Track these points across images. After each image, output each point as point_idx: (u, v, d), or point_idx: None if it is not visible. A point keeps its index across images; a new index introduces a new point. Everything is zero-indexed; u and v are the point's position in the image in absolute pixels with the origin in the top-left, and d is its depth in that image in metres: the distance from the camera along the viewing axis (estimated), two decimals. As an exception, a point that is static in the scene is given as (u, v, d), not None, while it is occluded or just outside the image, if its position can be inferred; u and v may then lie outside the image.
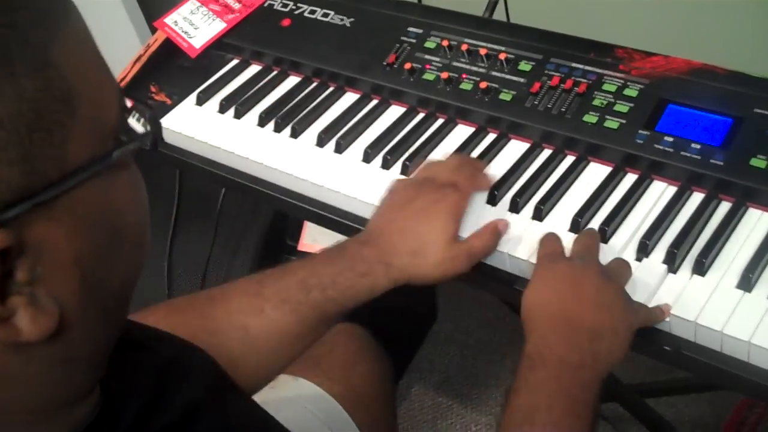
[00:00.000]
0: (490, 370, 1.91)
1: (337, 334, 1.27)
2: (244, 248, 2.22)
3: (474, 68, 1.18)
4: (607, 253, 0.94)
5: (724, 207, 0.97)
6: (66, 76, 0.47)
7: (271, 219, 2.08)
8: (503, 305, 1.69)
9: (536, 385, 0.79)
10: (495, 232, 0.96)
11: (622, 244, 0.96)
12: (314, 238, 1.96)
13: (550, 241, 0.93)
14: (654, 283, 0.91)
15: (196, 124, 1.26)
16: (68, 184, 0.47)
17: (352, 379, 1.18)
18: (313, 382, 1.15)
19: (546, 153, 1.09)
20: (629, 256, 0.94)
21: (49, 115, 0.46)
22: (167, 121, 1.27)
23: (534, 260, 0.93)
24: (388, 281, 0.92)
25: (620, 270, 0.90)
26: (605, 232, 0.97)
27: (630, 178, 1.03)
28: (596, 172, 1.05)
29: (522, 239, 0.98)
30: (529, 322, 0.85)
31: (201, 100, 1.30)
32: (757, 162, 0.97)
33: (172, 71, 1.36)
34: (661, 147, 1.02)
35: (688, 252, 0.93)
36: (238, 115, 1.26)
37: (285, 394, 1.13)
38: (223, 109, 1.27)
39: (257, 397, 1.13)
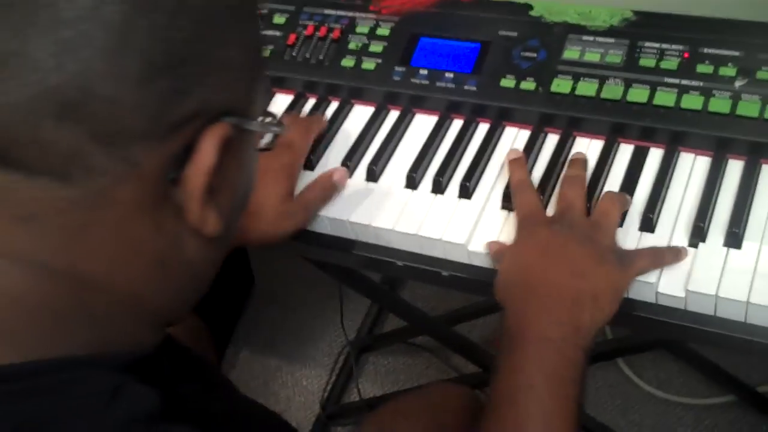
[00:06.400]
0: (315, 324, 1.93)
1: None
2: None
3: (229, 28, 1.16)
4: (375, 191, 0.96)
5: (483, 129, 1.01)
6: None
7: None
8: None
9: (516, 365, 0.76)
10: (327, 181, 0.95)
11: (391, 181, 0.98)
12: None
13: (527, 198, 0.88)
14: (424, 211, 0.93)
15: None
16: (257, 127, 0.60)
17: None
18: None
19: (310, 102, 1.09)
20: (398, 191, 0.96)
21: (259, 67, 0.61)
22: None
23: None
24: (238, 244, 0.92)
25: (608, 218, 0.85)
26: (374, 172, 0.98)
27: (393, 115, 1.05)
28: (360, 114, 1.06)
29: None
30: (505, 293, 0.81)
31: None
32: (507, 82, 1.00)
33: None
34: (417, 81, 1.04)
35: (451, 177, 0.96)
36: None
37: None
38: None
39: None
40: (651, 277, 0.83)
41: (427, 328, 1.58)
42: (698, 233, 0.85)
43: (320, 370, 1.85)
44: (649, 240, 0.86)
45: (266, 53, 1.11)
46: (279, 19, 1.15)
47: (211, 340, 1.33)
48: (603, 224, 0.84)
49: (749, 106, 0.91)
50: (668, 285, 0.82)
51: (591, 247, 0.81)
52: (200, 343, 1.26)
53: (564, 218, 0.84)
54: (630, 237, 0.87)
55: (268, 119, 0.64)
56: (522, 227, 0.86)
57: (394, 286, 1.90)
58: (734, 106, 0.92)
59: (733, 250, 0.84)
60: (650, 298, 0.84)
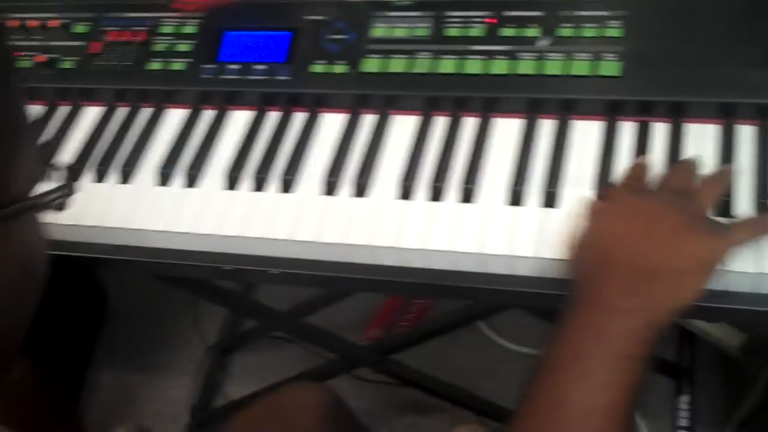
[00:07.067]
0: (174, 334, 1.89)
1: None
2: None
3: (27, 43, 1.10)
4: (194, 196, 0.94)
5: (300, 119, 0.99)
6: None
7: None
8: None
9: (570, 332, 0.68)
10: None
11: (211, 184, 0.95)
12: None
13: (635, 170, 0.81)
14: (246, 211, 0.91)
15: None
16: (19, 210, 0.49)
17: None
18: None
19: (122, 112, 1.05)
20: (219, 193, 0.94)
21: (12, 140, 0.48)
22: None
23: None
24: None
25: (705, 191, 0.78)
26: (194, 177, 0.95)
27: (208, 115, 1.02)
28: (175, 118, 1.03)
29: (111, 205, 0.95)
30: (580, 257, 0.74)
31: None
32: (318, 68, 0.99)
33: None
34: (228, 77, 1.02)
35: (272, 173, 0.95)
36: None
37: None
38: None
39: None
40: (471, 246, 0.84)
41: (281, 324, 1.57)
42: (516, 197, 0.86)
43: (186, 379, 1.81)
44: (470, 209, 0.86)
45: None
46: (80, 28, 1.10)
47: (54, 387, 1.27)
48: (698, 195, 0.76)
49: (554, 65, 0.93)
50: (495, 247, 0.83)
51: (679, 215, 0.73)
52: (43, 393, 1.20)
53: (660, 189, 0.78)
54: (451, 209, 0.87)
55: (49, 187, 0.54)
56: (615, 194, 0.80)
57: (249, 287, 1.87)
58: (540, 66, 0.93)
59: (552, 210, 0.85)
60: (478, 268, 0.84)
